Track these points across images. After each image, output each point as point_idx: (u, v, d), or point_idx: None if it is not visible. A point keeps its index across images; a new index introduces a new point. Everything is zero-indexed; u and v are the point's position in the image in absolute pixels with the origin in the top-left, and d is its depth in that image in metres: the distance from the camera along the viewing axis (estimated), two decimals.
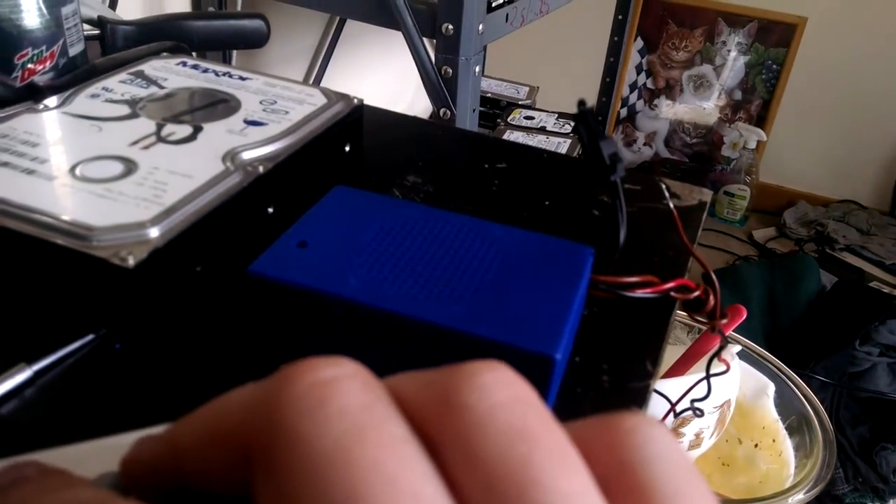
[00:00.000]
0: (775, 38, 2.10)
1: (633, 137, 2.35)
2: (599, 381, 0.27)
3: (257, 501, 0.12)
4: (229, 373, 0.26)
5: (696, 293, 0.30)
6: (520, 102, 1.92)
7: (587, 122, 0.28)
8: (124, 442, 0.19)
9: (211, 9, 1.17)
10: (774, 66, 2.13)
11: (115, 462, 0.19)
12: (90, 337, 0.26)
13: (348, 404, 0.11)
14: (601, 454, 0.12)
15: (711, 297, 0.30)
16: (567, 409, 0.26)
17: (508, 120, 1.77)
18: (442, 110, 0.91)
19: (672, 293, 0.30)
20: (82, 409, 0.24)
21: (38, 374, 0.25)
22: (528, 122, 1.76)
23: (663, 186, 0.40)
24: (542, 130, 1.70)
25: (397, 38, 0.90)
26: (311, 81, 1.43)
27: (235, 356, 0.27)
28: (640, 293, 0.29)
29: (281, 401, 0.12)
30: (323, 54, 1.43)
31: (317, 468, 0.11)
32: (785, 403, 0.78)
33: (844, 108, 2.07)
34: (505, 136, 1.60)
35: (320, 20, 1.42)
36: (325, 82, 1.45)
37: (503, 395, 0.12)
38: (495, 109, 1.83)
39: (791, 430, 0.76)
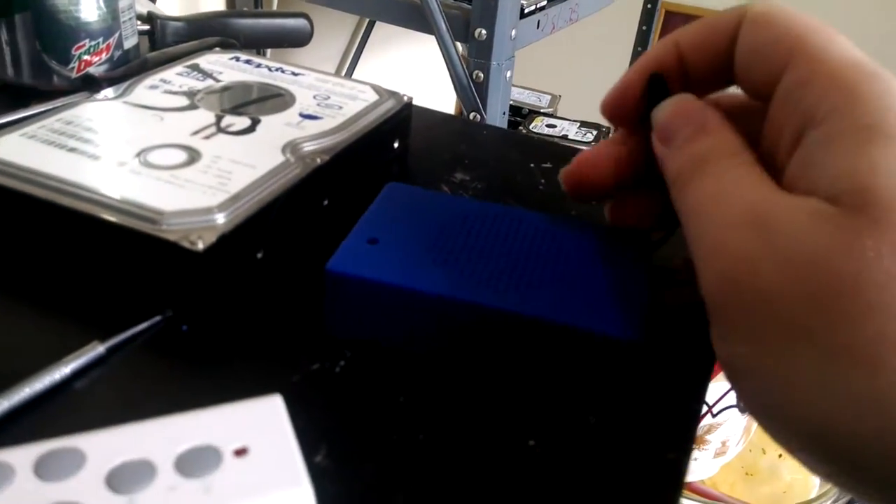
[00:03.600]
0: None
1: None
2: (659, 366, 0.27)
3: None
4: (292, 355, 0.27)
5: None
6: (541, 110, 1.93)
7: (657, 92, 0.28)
8: (184, 422, 0.20)
9: (245, 8, 1.18)
10: None
11: (177, 440, 0.20)
12: (158, 318, 0.27)
13: None
14: None
15: None
16: (627, 391, 0.26)
17: (530, 128, 1.78)
18: (472, 114, 0.91)
19: None
20: (152, 386, 0.25)
21: (110, 351, 0.25)
22: (550, 129, 1.77)
23: None
24: (564, 139, 1.71)
25: (424, 41, 0.91)
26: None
27: (300, 342, 0.28)
28: None
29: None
30: (351, 56, 1.44)
31: None
32: None
33: None
34: None
35: (350, 23, 1.43)
36: None
37: None
38: (517, 117, 1.83)
39: None
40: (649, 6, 1.87)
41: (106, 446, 0.20)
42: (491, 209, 0.30)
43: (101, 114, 0.35)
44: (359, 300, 0.26)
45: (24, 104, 0.43)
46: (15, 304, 0.28)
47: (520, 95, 1.98)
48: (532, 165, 0.42)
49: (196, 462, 0.19)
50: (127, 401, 0.25)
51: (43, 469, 0.19)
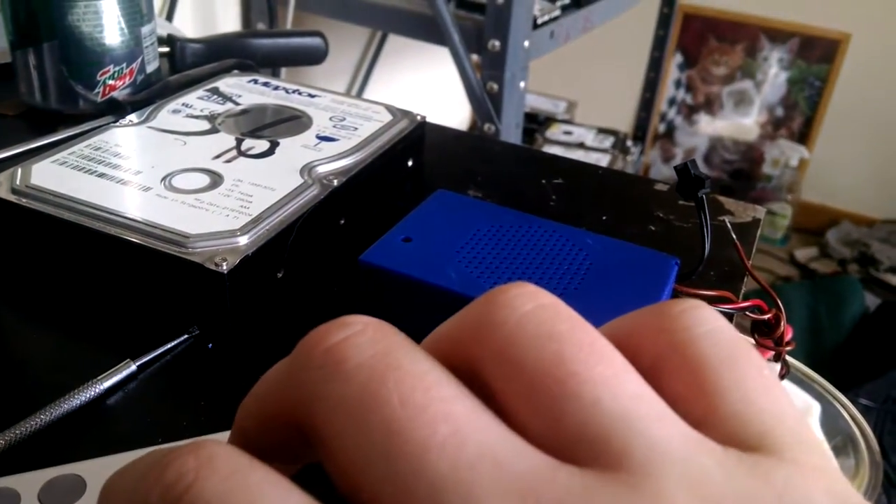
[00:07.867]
0: (818, 53, 2.08)
1: (671, 154, 2.35)
2: None
3: (325, 466, 0.12)
4: None
5: (768, 316, 0.31)
6: (558, 117, 1.93)
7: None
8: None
9: (261, 25, 1.20)
10: (817, 83, 2.11)
11: None
12: (185, 336, 0.28)
13: (363, 359, 0.12)
14: (652, 340, 0.13)
15: (781, 323, 0.31)
16: None
17: (546, 135, 1.78)
18: (486, 125, 0.92)
19: (748, 312, 0.30)
20: (180, 402, 0.26)
21: (140, 368, 0.27)
22: (567, 136, 1.77)
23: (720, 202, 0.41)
24: (581, 146, 1.71)
25: (435, 53, 0.92)
26: (352, 96, 1.46)
27: None
28: (717, 308, 0.30)
29: (305, 374, 0.12)
30: (364, 69, 1.46)
31: (353, 420, 0.11)
32: (830, 423, 0.77)
33: (889, 126, 2.04)
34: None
35: (362, 36, 1.45)
36: (365, 96, 1.48)
37: (529, 306, 0.13)
38: (533, 124, 1.84)
39: (836, 451, 0.75)
40: (665, 10, 1.87)
41: (104, 472, 0.21)
42: (526, 220, 0.32)
43: (127, 139, 0.37)
44: (384, 289, 0.29)
45: (51, 128, 0.45)
46: (52, 324, 0.29)
47: (536, 102, 1.99)
48: (543, 181, 0.43)
49: None
50: (156, 415, 0.26)
51: (46, 495, 0.20)
